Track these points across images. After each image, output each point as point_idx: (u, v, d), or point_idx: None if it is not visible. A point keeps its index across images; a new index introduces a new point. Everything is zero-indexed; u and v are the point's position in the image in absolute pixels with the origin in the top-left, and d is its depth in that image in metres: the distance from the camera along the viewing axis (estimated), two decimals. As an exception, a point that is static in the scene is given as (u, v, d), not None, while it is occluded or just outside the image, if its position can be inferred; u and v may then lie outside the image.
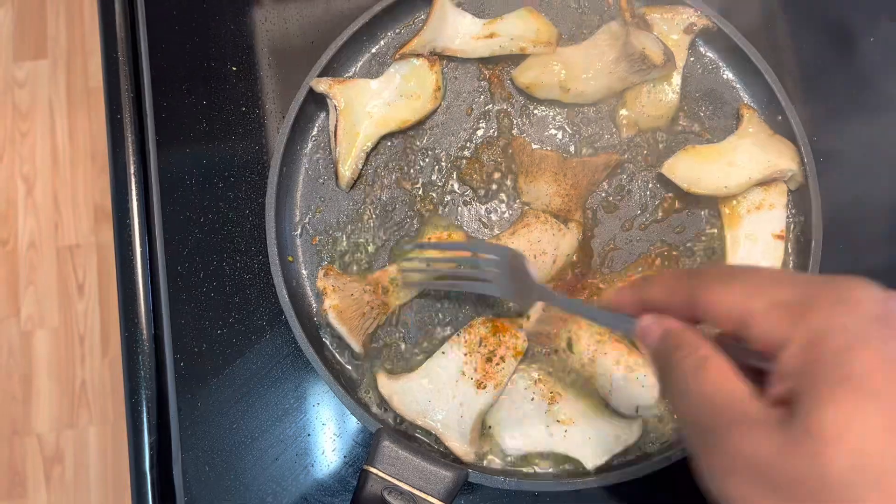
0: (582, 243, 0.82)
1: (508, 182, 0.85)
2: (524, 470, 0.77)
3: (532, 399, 0.77)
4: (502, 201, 0.85)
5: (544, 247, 0.79)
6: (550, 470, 0.77)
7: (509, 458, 0.77)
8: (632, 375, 0.76)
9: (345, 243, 0.84)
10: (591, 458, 0.76)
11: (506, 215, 0.84)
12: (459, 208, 0.84)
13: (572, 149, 0.86)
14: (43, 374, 1.93)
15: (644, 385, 0.76)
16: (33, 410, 1.91)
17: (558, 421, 0.76)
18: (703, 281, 0.49)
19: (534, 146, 0.85)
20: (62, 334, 1.96)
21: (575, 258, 0.82)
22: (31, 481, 1.87)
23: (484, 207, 0.84)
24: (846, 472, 0.35)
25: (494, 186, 0.85)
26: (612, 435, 0.76)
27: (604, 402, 0.78)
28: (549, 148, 0.86)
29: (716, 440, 0.42)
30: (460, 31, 0.86)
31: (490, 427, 0.78)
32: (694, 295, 0.50)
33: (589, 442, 0.76)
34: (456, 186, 0.85)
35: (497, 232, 0.84)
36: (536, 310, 0.79)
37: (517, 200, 0.84)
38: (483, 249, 0.77)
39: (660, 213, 0.84)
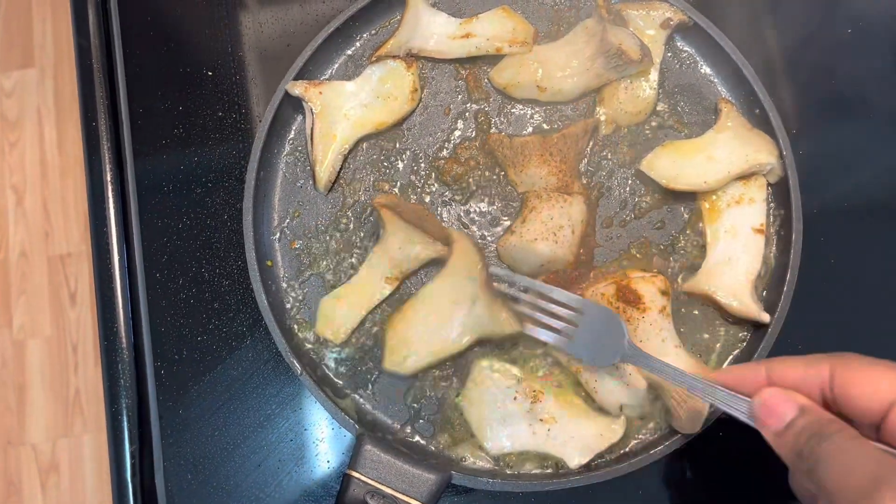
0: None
1: (491, 180, 0.85)
2: (508, 471, 0.77)
3: (514, 398, 0.77)
4: (482, 200, 0.84)
5: (559, 221, 0.79)
6: (535, 471, 0.77)
7: (492, 459, 0.77)
8: (618, 373, 0.76)
9: (323, 246, 0.83)
10: (575, 456, 0.75)
11: (487, 214, 0.84)
12: (439, 209, 0.84)
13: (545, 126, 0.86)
14: (36, 384, 1.93)
15: (629, 383, 0.75)
16: (27, 420, 1.90)
17: (541, 420, 0.76)
18: (846, 361, 0.49)
19: (511, 135, 0.85)
20: (55, 343, 1.95)
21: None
22: (27, 491, 1.86)
23: (463, 207, 0.84)
24: None
25: (474, 186, 0.84)
26: (595, 434, 0.76)
27: (587, 401, 0.77)
28: (526, 132, 0.86)
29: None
30: (436, 32, 0.86)
31: (473, 427, 0.77)
32: (836, 374, 0.49)
33: (572, 441, 0.75)
34: (435, 187, 0.85)
35: (478, 231, 0.83)
36: None
37: (497, 198, 0.84)
38: (573, 302, 0.75)
39: (639, 210, 0.83)
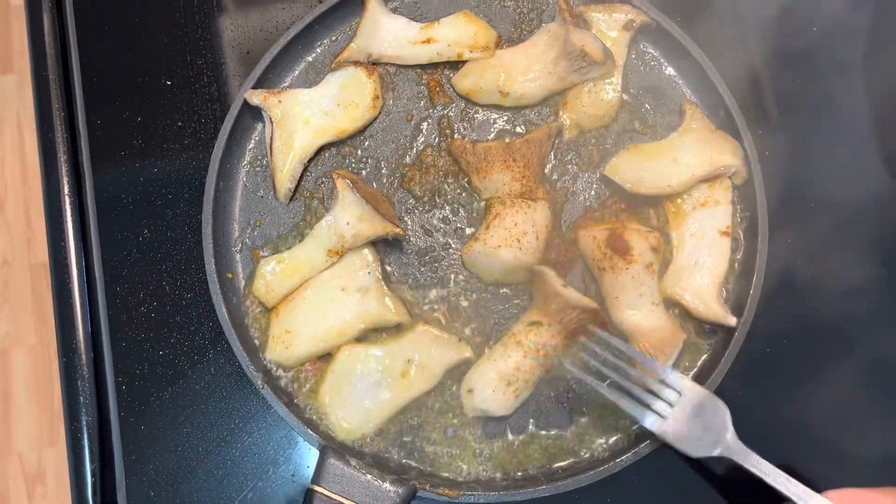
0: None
1: (455, 186, 0.83)
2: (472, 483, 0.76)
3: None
4: (445, 207, 0.83)
5: (523, 228, 0.78)
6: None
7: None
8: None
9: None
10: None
11: (451, 221, 0.83)
12: (402, 216, 0.83)
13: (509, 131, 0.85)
14: (21, 393, 1.92)
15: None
16: (13, 430, 1.89)
17: None
18: None
19: (474, 141, 0.84)
20: (39, 352, 1.94)
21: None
22: (14, 501, 1.85)
23: (427, 214, 0.83)
24: None
25: (437, 193, 0.83)
26: None
27: None
28: (490, 137, 0.85)
29: None
30: (395, 36, 0.85)
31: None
32: None
33: None
34: (398, 194, 0.84)
35: (442, 239, 0.82)
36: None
37: (461, 205, 0.83)
38: (673, 380, 0.69)
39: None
